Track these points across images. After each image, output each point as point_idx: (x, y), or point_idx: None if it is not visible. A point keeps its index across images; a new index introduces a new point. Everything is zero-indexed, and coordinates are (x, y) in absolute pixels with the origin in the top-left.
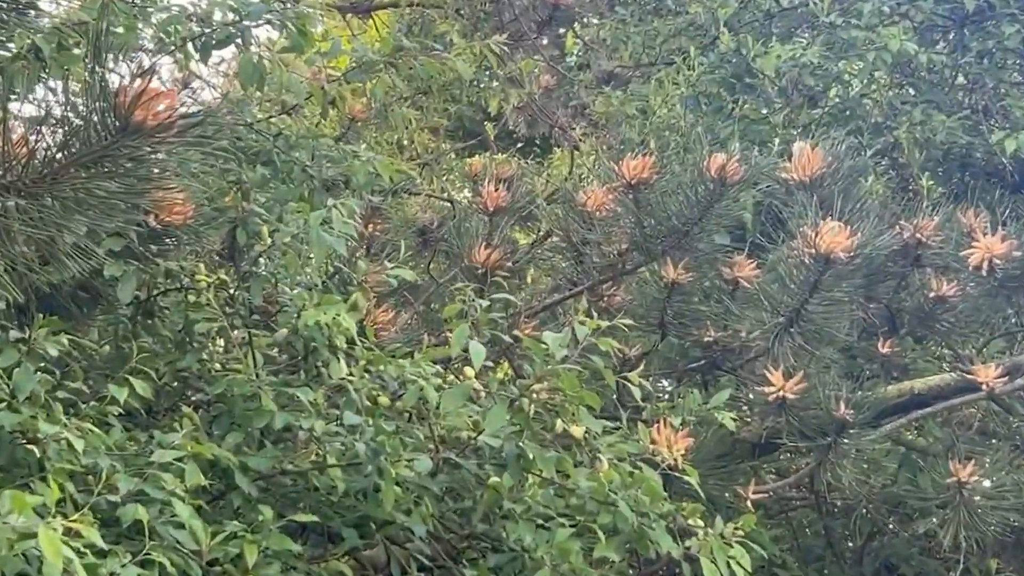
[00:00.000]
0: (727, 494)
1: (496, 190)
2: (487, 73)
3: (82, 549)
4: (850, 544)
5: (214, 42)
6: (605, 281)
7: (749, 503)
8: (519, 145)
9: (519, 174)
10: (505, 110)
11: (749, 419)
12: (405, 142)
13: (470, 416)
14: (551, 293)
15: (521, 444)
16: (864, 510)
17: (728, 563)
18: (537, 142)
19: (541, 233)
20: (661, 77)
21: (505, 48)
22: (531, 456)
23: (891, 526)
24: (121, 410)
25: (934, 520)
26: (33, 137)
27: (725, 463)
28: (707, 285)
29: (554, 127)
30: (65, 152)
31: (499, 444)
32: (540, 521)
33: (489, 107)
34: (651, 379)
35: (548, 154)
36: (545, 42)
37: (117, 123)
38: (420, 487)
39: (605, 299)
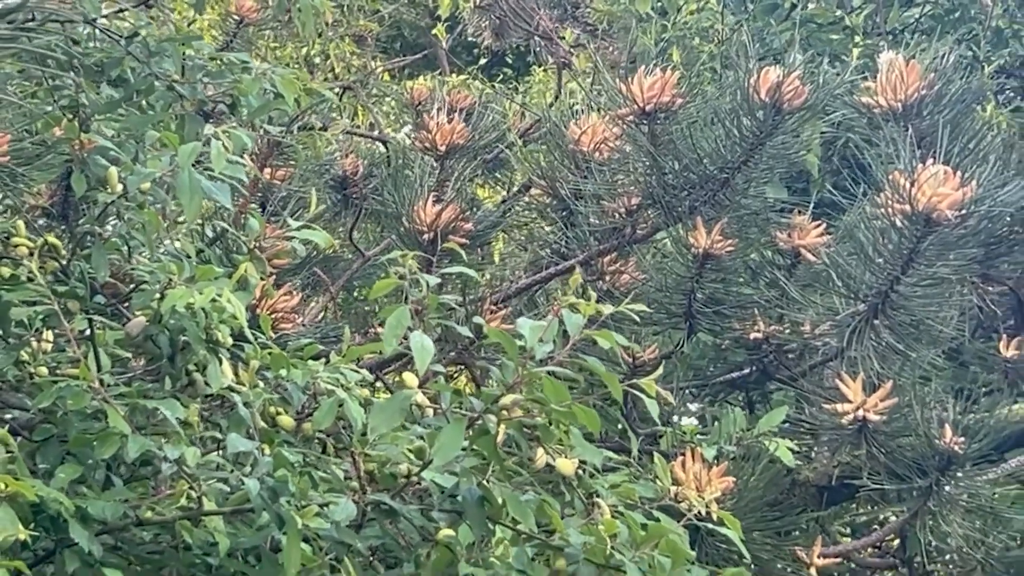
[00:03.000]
0: (781, 557)
1: (450, 122)
2: None
3: None
4: None
5: None
6: (607, 252)
7: (814, 571)
8: (482, 62)
9: (483, 102)
10: (462, 10)
11: (814, 451)
12: (318, 58)
13: (411, 443)
14: (529, 269)
15: (485, 483)
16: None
17: None
18: (508, 58)
19: (515, 186)
20: None
21: None
22: (500, 500)
23: None
24: None
25: None
26: None
27: (780, 512)
28: (755, 258)
29: (533, 35)
30: None
31: (453, 483)
32: None
33: (439, 7)
34: (675, 392)
35: (524, 75)
36: None
37: None
38: (338, 545)
39: (607, 278)
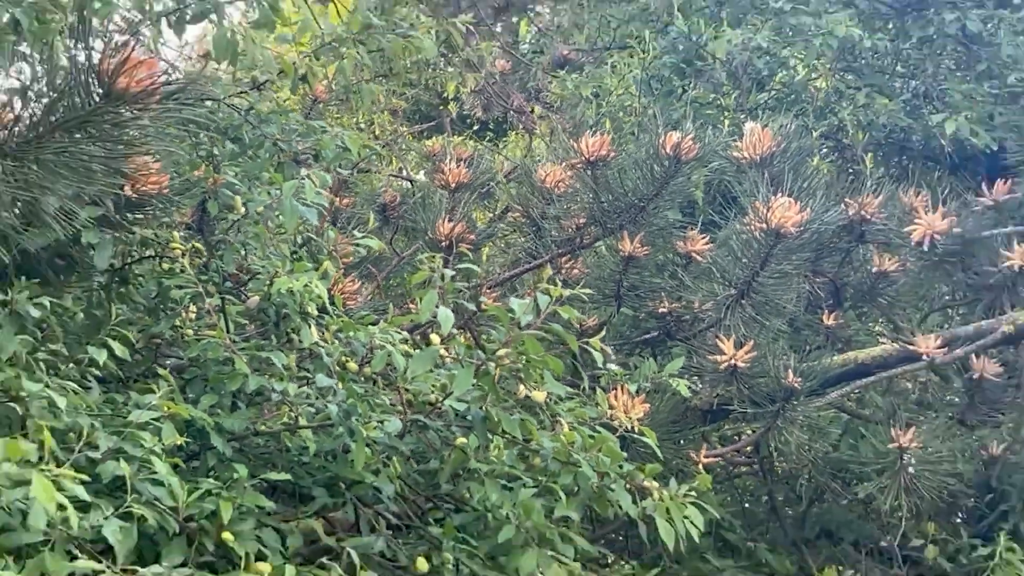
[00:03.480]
0: (679, 458)
1: (458, 167)
2: (443, 58)
3: (65, 502)
4: (790, 511)
5: (188, 16)
6: (564, 254)
7: (700, 467)
8: (475, 128)
9: (477, 154)
10: (462, 93)
11: (700, 387)
12: (363, 125)
13: (437, 380)
14: (510, 266)
15: (487, 407)
16: (807, 476)
17: (683, 523)
18: (491, 126)
19: (500, 210)
20: (615, 61)
21: (465, 29)
22: (496, 419)
23: (832, 491)
24: (102, 372)
25: (874, 485)
26: (18, 104)
27: (678, 428)
28: (661, 259)
29: (509, 110)
30: (50, 118)
31: (465, 407)
32: (504, 481)
33: (446, 91)
34: (608, 347)
35: (503, 137)
36: (499, 29)
37: (100, 90)
38: (389, 448)
39: (563, 271)
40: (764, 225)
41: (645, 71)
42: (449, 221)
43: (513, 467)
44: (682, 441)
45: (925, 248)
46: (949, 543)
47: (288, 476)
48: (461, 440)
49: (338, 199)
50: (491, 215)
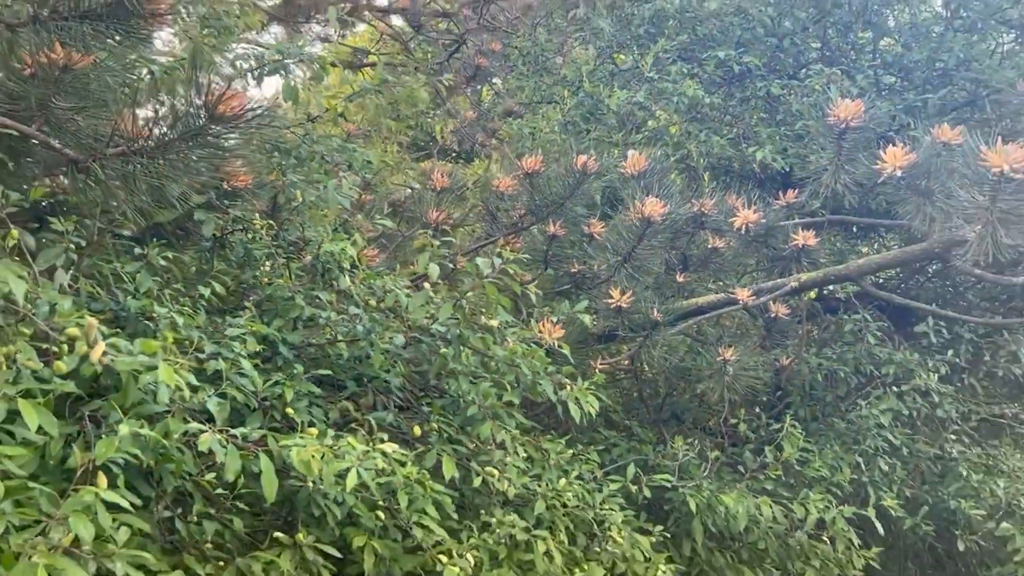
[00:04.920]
0: (584, 365)
1: (441, 178)
2: (433, 109)
3: (182, 384)
4: (653, 402)
5: (266, 71)
6: (510, 234)
7: (597, 370)
8: (452, 155)
9: (454, 171)
10: (444, 132)
11: (597, 320)
12: (380, 153)
13: (428, 312)
14: (475, 241)
15: (460, 329)
16: (664, 378)
17: (586, 406)
18: (462, 154)
19: (469, 205)
20: (545, 112)
21: (447, 86)
22: (466, 336)
23: (680, 388)
24: (207, 303)
25: (706, 385)
26: (152, 125)
27: (583, 346)
28: (573, 237)
29: (475, 144)
30: (172, 132)
31: (446, 329)
32: (471, 378)
33: (434, 131)
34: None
35: (471, 161)
36: (469, 91)
37: (206, 113)
38: (396, 356)
39: (510, 246)
40: (640, 215)
41: (564, 117)
42: (436, 211)
43: (476, 368)
44: (589, 354)
45: (742, 232)
46: (754, 421)
47: (329, 372)
48: (443, 350)
49: (364, 196)
50: (464, 209)
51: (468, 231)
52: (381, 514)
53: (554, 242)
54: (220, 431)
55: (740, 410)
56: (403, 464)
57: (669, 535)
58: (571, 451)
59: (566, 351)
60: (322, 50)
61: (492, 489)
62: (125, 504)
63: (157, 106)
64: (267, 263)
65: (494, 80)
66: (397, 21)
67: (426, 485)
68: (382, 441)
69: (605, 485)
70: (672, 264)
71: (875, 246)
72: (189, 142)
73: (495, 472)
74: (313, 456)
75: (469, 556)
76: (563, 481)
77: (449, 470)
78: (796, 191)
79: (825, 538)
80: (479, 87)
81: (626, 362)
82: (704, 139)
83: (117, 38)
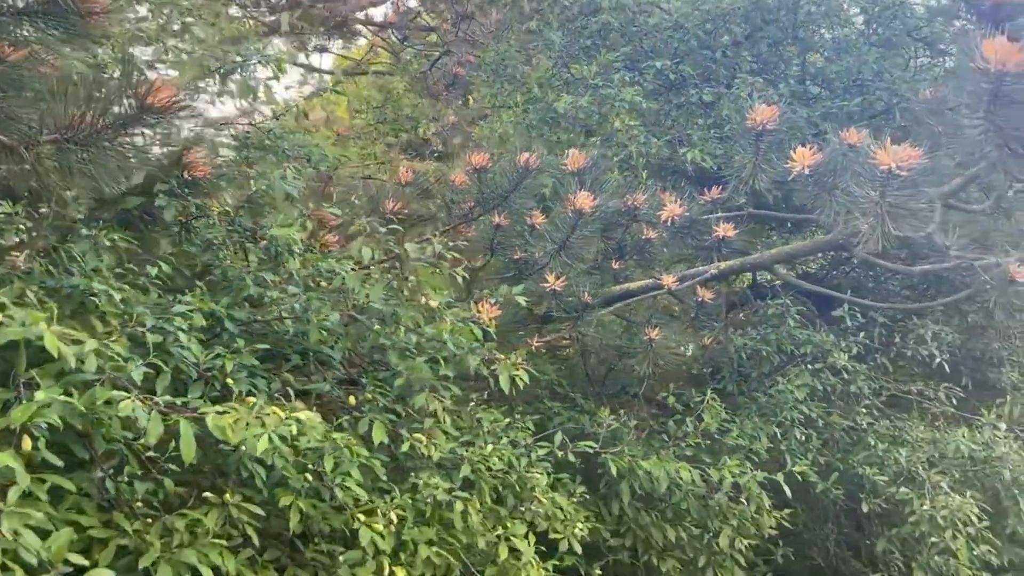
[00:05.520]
0: (523, 342)
1: (407, 172)
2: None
3: (114, 356)
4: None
5: (222, 71)
6: (461, 223)
7: (535, 347)
8: (437, 155)
9: (423, 169)
10: (428, 134)
11: (537, 302)
12: (375, 153)
13: (364, 291)
14: (433, 230)
15: (394, 308)
16: (605, 355)
17: (514, 378)
18: (444, 156)
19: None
20: (499, 115)
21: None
22: (399, 314)
23: (619, 364)
24: (163, 283)
25: (636, 360)
26: (85, 115)
27: (521, 326)
28: (518, 228)
29: (454, 145)
30: (104, 120)
31: (381, 308)
32: (406, 353)
33: (420, 132)
34: (485, 278)
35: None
36: (451, 98)
37: (137, 104)
38: (340, 332)
39: (461, 233)
40: (573, 207)
41: (518, 120)
42: (392, 202)
43: (408, 344)
44: (527, 334)
45: (669, 224)
46: (682, 395)
47: (269, 346)
48: (376, 327)
49: (329, 187)
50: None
51: (432, 222)
52: (309, 476)
53: (499, 231)
54: (145, 399)
55: (669, 385)
56: (316, 429)
57: (600, 497)
58: (507, 420)
59: (491, 329)
60: (319, 60)
61: (420, 454)
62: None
63: (92, 97)
64: (230, 248)
65: (471, 87)
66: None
67: (352, 450)
68: (296, 409)
69: (534, 451)
70: (609, 253)
71: (805, 238)
72: (121, 131)
73: (423, 438)
74: (229, 423)
75: (393, 514)
76: (490, 447)
77: (378, 436)
78: (721, 188)
79: (743, 500)
80: (461, 94)
81: (564, 340)
82: (644, 141)
83: (55, 34)
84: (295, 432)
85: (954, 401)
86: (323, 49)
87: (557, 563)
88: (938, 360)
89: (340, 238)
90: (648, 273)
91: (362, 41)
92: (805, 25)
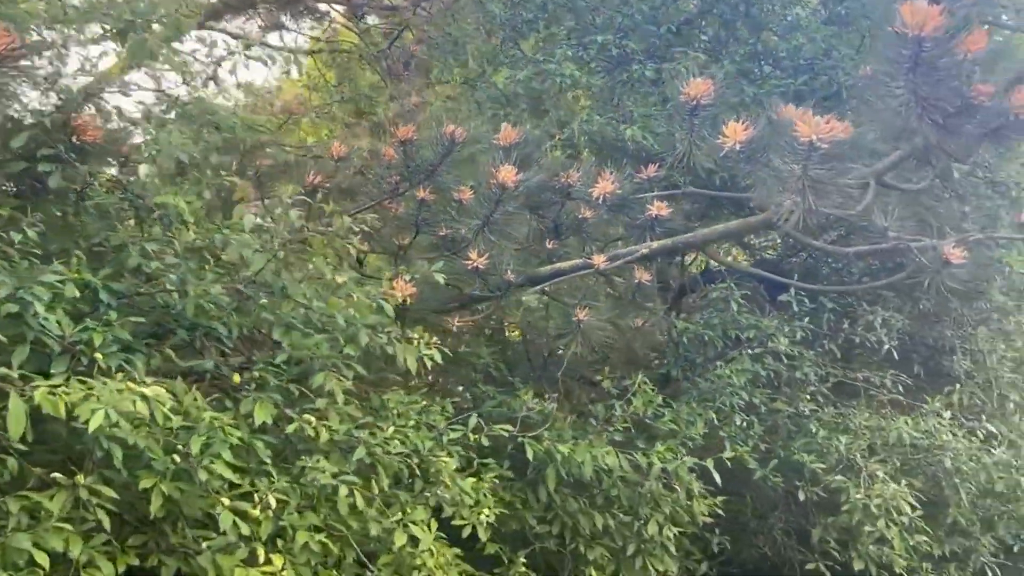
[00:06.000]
0: (441, 321)
1: (339, 146)
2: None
3: None
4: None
5: (114, 32)
6: (388, 198)
7: (454, 327)
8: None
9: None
10: (388, 114)
11: (461, 280)
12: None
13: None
14: (358, 206)
15: (285, 282)
16: (540, 338)
17: (424, 357)
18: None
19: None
20: (439, 92)
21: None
22: (288, 288)
23: (550, 346)
24: (38, 251)
25: (564, 341)
26: None
27: (440, 305)
28: (444, 203)
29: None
30: None
31: (270, 280)
32: (297, 328)
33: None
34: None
35: None
36: (409, 76)
37: None
38: (225, 307)
39: (391, 210)
40: (497, 181)
41: (454, 95)
42: (312, 175)
43: (294, 318)
44: (443, 312)
45: (600, 202)
46: (623, 379)
47: (143, 319)
48: (262, 301)
49: (261, 162)
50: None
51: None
52: (177, 458)
53: (424, 207)
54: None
55: (605, 369)
56: (198, 410)
57: (527, 483)
58: (422, 403)
59: (388, 309)
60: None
61: (308, 436)
62: None
63: None
64: (128, 218)
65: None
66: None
67: (225, 430)
68: (146, 384)
69: (446, 435)
70: (544, 232)
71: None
72: None
73: (311, 419)
74: (61, 396)
75: (272, 499)
76: (391, 429)
77: (261, 416)
78: (657, 166)
79: (676, 487)
80: (421, 73)
81: (492, 321)
82: (586, 118)
83: None
84: (139, 409)
85: (901, 388)
86: (280, 27)
87: (479, 551)
88: (887, 347)
89: (256, 210)
90: (586, 253)
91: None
92: (759, 3)
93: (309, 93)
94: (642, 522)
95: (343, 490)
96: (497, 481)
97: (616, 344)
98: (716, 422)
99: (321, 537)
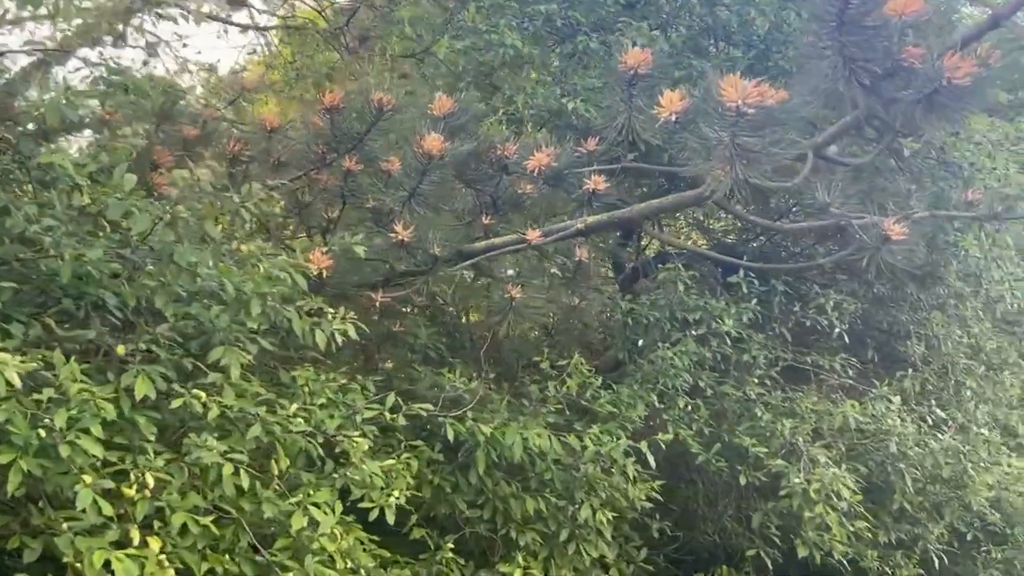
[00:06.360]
0: (364, 298)
1: (272, 117)
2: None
3: None
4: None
5: None
6: (313, 169)
7: (378, 304)
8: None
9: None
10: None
11: (389, 255)
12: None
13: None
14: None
15: (174, 247)
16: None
17: (336, 332)
18: None
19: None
20: (377, 63)
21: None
22: (177, 253)
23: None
24: None
25: (497, 320)
26: None
27: (358, 282)
28: (371, 173)
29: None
30: None
31: (157, 246)
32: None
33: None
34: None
35: None
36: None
37: None
38: (111, 277)
39: (320, 180)
40: (422, 151)
41: (393, 65)
42: (233, 143)
43: (184, 289)
44: (369, 287)
45: (536, 175)
46: (563, 359)
47: (14, 284)
48: (149, 268)
49: (190, 131)
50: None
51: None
52: (43, 432)
53: (350, 178)
54: None
55: (544, 350)
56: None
57: (459, 466)
58: (341, 381)
59: (301, 281)
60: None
61: (195, 413)
62: None
63: None
64: (14, 180)
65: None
66: None
67: (98, 404)
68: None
69: (360, 414)
70: (482, 207)
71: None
72: None
73: (201, 395)
74: None
75: (150, 478)
76: (294, 407)
77: (141, 390)
78: (598, 139)
79: (614, 470)
80: (377, 48)
81: (420, 297)
82: (531, 91)
83: None
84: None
85: (850, 373)
86: (241, 2)
87: (404, 537)
88: (837, 330)
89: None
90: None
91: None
92: None
93: (267, 71)
94: (577, 507)
95: (227, 469)
96: (424, 464)
97: (564, 326)
98: (659, 405)
99: (208, 520)
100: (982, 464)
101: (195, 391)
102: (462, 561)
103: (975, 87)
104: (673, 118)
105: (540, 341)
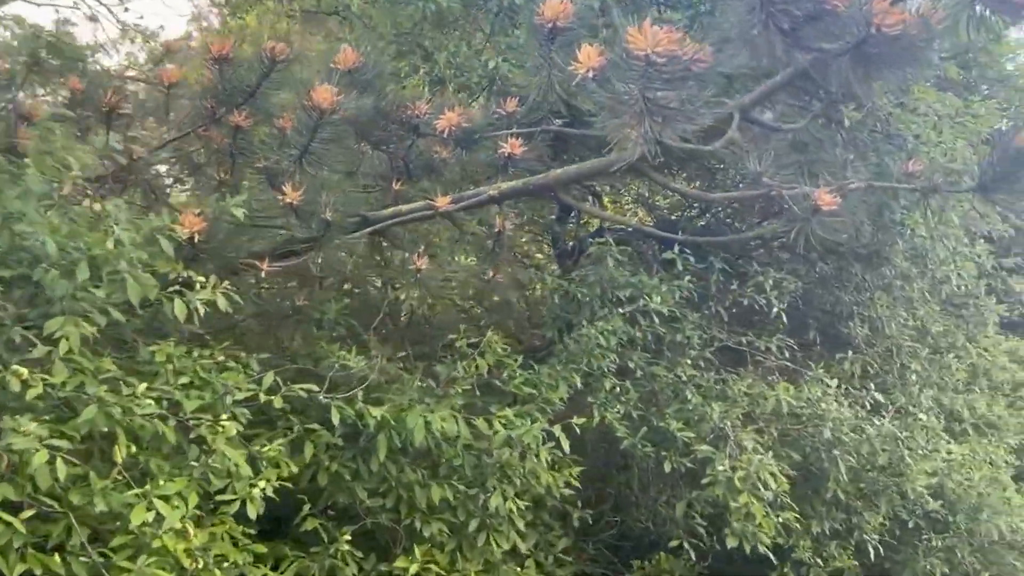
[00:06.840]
0: (245, 266)
1: (168, 73)
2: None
3: None
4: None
5: None
6: (201, 126)
7: (264, 273)
8: None
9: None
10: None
11: (270, 221)
12: None
13: None
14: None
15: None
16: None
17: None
18: None
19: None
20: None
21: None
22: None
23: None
24: None
25: (402, 290)
26: None
27: (241, 248)
28: (264, 130)
29: None
30: None
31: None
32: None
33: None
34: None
35: None
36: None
37: None
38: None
39: (213, 139)
40: (310, 104)
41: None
42: (109, 96)
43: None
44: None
45: (444, 136)
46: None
47: None
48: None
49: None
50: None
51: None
52: None
53: (239, 135)
54: None
55: (460, 327)
56: None
57: (359, 452)
58: (217, 359)
59: (166, 245)
60: None
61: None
62: None
63: None
64: None
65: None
66: None
67: None
68: None
69: (231, 395)
70: (394, 171)
71: None
72: None
73: (23, 371)
74: None
75: None
76: (143, 386)
77: None
78: (517, 100)
79: (534, 456)
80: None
81: (313, 267)
82: (454, 51)
83: None
84: None
85: (788, 355)
86: None
87: (297, 528)
88: (776, 310)
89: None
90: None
91: None
92: None
93: (203, 35)
94: (488, 495)
95: (40, 457)
96: (322, 449)
97: (488, 304)
98: (583, 386)
99: (28, 515)
100: (920, 451)
101: (14, 367)
102: (359, 554)
103: (913, 47)
104: (591, 75)
105: (464, 319)
